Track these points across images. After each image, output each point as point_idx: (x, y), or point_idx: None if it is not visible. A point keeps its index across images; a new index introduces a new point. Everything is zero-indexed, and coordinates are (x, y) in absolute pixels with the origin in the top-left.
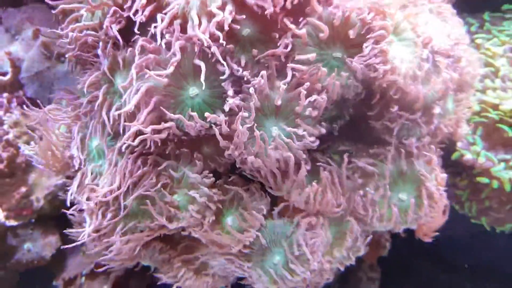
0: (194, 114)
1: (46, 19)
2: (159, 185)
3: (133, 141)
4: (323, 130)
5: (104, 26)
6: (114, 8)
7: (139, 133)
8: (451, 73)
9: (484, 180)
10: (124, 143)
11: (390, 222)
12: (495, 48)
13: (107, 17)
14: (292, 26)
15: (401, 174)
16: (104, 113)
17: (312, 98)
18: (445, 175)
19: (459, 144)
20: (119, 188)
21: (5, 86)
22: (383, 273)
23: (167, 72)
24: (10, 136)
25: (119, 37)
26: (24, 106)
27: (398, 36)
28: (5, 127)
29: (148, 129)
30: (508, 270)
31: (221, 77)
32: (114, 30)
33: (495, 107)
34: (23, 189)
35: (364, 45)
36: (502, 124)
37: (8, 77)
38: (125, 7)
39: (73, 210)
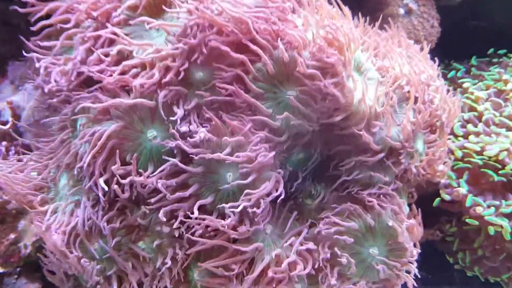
0: None
1: None
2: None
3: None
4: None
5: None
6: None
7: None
8: (423, 112)
9: (474, 222)
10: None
11: (361, 279)
12: (479, 92)
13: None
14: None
15: (370, 229)
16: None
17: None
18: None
19: (442, 190)
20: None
21: (5, 135)
22: None
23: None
24: None
25: None
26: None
27: (362, 74)
28: None
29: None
30: None
31: (171, 118)
32: None
33: (479, 152)
34: (12, 236)
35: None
36: (486, 169)
37: (8, 126)
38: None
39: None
